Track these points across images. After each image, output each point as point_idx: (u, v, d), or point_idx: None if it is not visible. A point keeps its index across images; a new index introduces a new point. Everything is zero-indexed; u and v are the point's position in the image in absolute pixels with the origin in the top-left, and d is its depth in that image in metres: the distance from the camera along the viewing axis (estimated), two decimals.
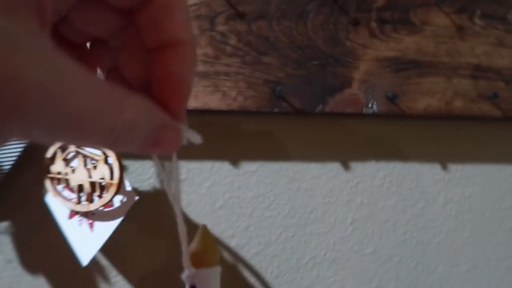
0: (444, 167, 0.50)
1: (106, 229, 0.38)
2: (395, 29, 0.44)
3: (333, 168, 0.47)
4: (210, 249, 0.25)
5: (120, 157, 0.36)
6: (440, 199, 0.50)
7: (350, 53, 0.44)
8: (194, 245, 0.25)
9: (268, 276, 0.47)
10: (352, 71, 0.44)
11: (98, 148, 0.37)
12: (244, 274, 0.46)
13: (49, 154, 0.39)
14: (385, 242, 0.49)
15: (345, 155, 0.47)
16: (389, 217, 0.49)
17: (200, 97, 0.42)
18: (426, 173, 0.49)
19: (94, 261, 0.43)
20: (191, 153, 0.44)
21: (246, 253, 0.46)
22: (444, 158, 0.49)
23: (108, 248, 0.42)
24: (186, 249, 0.21)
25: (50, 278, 0.42)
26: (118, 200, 0.37)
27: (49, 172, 0.39)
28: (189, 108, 0.41)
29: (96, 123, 0.12)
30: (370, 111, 0.44)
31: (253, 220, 0.46)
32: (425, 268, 0.50)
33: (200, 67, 0.41)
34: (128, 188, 0.37)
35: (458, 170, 0.50)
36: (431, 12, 0.45)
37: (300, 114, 0.44)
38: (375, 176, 0.48)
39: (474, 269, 0.51)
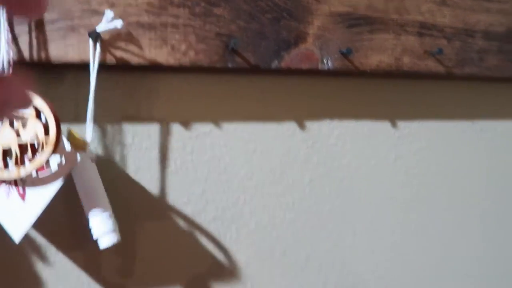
0: (394, 124, 0.51)
1: (41, 197, 0.33)
2: None
3: (289, 128, 0.46)
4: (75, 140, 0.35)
5: (56, 111, 0.31)
6: (391, 156, 0.51)
7: (303, 7, 0.42)
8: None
9: (227, 241, 0.45)
10: (306, 26, 0.43)
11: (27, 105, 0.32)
12: (202, 241, 0.44)
13: None
14: (342, 200, 0.49)
15: (301, 114, 0.46)
16: (345, 176, 0.49)
17: (146, 51, 0.38)
18: (377, 130, 0.50)
19: (28, 239, 0.38)
20: (136, 115, 0.40)
21: (203, 220, 0.44)
22: (393, 116, 0.51)
23: (44, 223, 0.37)
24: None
25: None
26: (55, 162, 0.33)
27: None
28: (134, 63, 0.37)
29: None
30: (326, 67, 0.43)
31: (208, 184, 0.43)
32: (380, 222, 0.52)
33: (145, 18, 0.37)
34: (67, 148, 0.33)
35: (406, 127, 0.52)
36: None
37: (255, 70, 0.42)
38: (330, 135, 0.48)
39: (421, 219, 0.54)
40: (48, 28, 0.34)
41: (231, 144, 0.44)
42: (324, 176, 0.48)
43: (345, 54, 0.44)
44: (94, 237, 0.34)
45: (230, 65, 0.40)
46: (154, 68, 0.39)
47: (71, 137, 0.35)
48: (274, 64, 0.42)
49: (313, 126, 0.47)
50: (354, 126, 0.49)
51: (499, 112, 0.57)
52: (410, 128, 0.52)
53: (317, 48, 0.43)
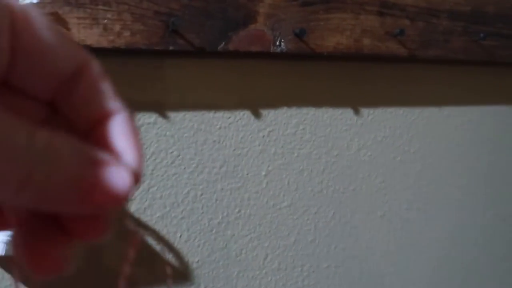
0: (356, 111, 0.48)
1: None
2: None
3: (243, 116, 0.43)
4: None
5: None
6: (354, 145, 0.49)
7: None
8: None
9: (177, 241, 0.41)
10: (256, 4, 0.39)
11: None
12: (149, 241, 0.40)
13: None
14: (302, 193, 0.46)
15: (255, 101, 0.43)
16: (305, 167, 0.46)
17: (74, 31, 0.34)
18: (338, 118, 0.47)
19: None
20: None
21: (149, 218, 0.40)
22: (355, 102, 0.48)
23: None
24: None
25: None
26: None
27: None
28: None
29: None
30: (278, 49, 0.40)
31: (155, 179, 0.40)
32: (342, 217, 0.49)
33: None
34: None
35: (369, 114, 0.49)
36: None
37: (200, 53, 0.38)
38: (288, 124, 0.45)
39: (388, 213, 0.52)
40: None
41: (178, 135, 0.40)
42: (282, 168, 0.45)
43: (299, 35, 0.40)
44: None
45: (171, 48, 0.37)
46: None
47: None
48: (221, 46, 0.38)
49: (269, 114, 0.44)
50: (314, 114, 0.46)
51: (466, 97, 0.55)
52: (374, 115, 0.49)
53: (268, 28, 0.40)
